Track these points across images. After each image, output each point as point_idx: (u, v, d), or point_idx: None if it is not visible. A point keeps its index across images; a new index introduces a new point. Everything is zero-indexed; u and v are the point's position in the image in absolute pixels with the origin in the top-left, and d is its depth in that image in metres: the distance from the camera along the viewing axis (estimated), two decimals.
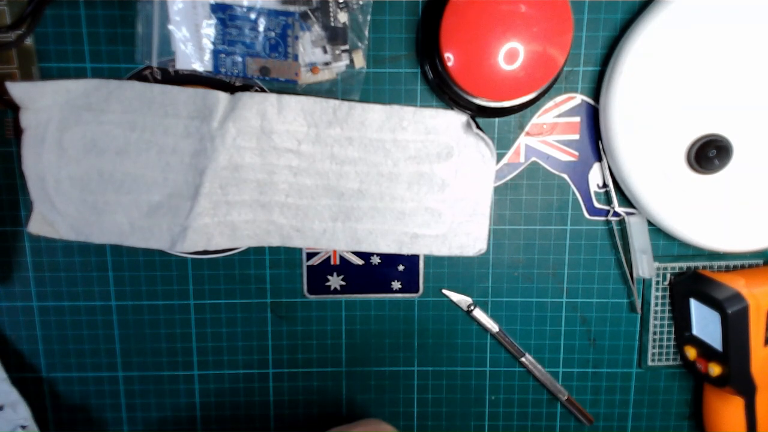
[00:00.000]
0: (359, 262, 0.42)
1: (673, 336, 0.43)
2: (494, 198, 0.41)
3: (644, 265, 0.40)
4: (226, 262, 0.41)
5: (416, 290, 0.42)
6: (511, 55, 0.33)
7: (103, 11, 0.37)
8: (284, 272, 0.42)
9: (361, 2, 0.36)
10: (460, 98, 0.36)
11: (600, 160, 0.40)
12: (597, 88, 0.39)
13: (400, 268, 0.42)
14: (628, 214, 0.41)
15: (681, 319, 0.42)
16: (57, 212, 0.38)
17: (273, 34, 0.36)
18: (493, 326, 0.42)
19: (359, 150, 0.38)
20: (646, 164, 0.37)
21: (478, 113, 0.37)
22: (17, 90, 0.36)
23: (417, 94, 0.39)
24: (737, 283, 0.38)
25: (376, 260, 0.41)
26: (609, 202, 0.41)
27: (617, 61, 0.36)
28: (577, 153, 0.40)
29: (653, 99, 0.36)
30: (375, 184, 0.39)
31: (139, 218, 0.38)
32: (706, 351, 0.40)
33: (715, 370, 0.39)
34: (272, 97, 0.36)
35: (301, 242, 0.40)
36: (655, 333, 0.43)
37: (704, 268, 0.42)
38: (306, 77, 0.37)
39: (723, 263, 0.42)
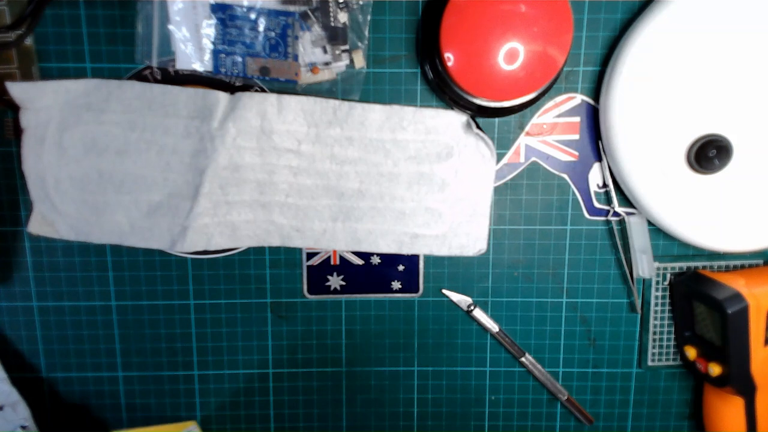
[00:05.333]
0: (359, 262, 0.42)
1: (673, 336, 0.43)
2: (494, 198, 0.41)
3: (644, 265, 0.40)
4: (226, 262, 0.41)
5: (416, 290, 0.42)
6: (511, 55, 0.33)
7: (103, 11, 0.37)
8: (284, 272, 0.42)
9: (361, 2, 0.36)
10: (460, 98, 0.36)
11: (600, 160, 0.40)
12: (597, 88, 0.39)
13: (400, 268, 0.42)
14: (628, 214, 0.41)
15: (681, 319, 0.42)
16: (57, 212, 0.38)
17: (273, 34, 0.36)
18: (493, 326, 0.42)
19: (359, 150, 0.38)
20: (646, 164, 0.37)
21: (478, 113, 0.37)
22: (17, 90, 0.36)
23: (417, 94, 0.39)
24: (737, 283, 0.38)
25: (376, 260, 0.41)
26: (609, 202, 0.41)
27: (617, 61, 0.36)
28: (577, 153, 0.40)
29: (653, 99, 0.36)
30: (375, 184, 0.39)
31: (139, 218, 0.38)
32: (706, 351, 0.40)
33: (715, 370, 0.39)
34: (272, 97, 0.36)
35: (301, 242, 0.40)
36: (655, 333, 0.43)
37: (704, 268, 0.42)
38: (306, 77, 0.37)
39: (723, 263, 0.42)
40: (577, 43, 0.38)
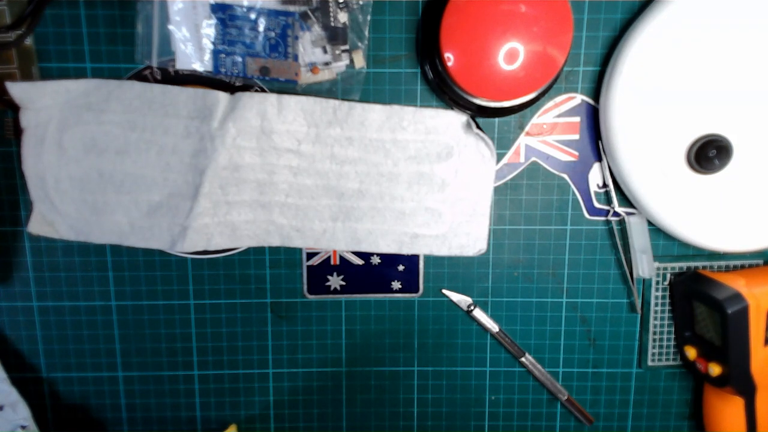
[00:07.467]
0: (359, 262, 0.42)
1: (673, 336, 0.43)
2: (494, 198, 0.41)
3: (644, 265, 0.40)
4: (226, 262, 0.41)
5: (416, 290, 0.42)
6: (511, 55, 0.33)
7: (103, 11, 0.37)
8: (284, 272, 0.42)
9: (361, 2, 0.36)
10: (460, 98, 0.36)
11: (600, 160, 0.40)
12: (597, 88, 0.39)
13: (400, 268, 0.42)
14: (628, 214, 0.41)
15: (681, 319, 0.42)
16: (57, 212, 0.38)
17: (273, 34, 0.36)
18: (493, 326, 0.42)
19: (359, 150, 0.38)
20: (646, 164, 0.37)
21: (478, 113, 0.37)
22: (17, 90, 0.36)
23: (417, 94, 0.39)
24: (737, 283, 0.38)
25: (376, 260, 0.41)
26: (609, 202, 0.41)
27: (617, 61, 0.36)
28: (577, 153, 0.40)
29: (653, 99, 0.36)
30: (375, 184, 0.39)
31: (139, 218, 0.38)
32: (706, 351, 0.40)
33: (715, 370, 0.39)
34: (272, 97, 0.36)
35: (301, 242, 0.40)
36: (655, 333, 0.43)
37: (704, 268, 0.42)
38: (306, 77, 0.37)
39: (723, 263, 0.42)
40: (577, 43, 0.38)
